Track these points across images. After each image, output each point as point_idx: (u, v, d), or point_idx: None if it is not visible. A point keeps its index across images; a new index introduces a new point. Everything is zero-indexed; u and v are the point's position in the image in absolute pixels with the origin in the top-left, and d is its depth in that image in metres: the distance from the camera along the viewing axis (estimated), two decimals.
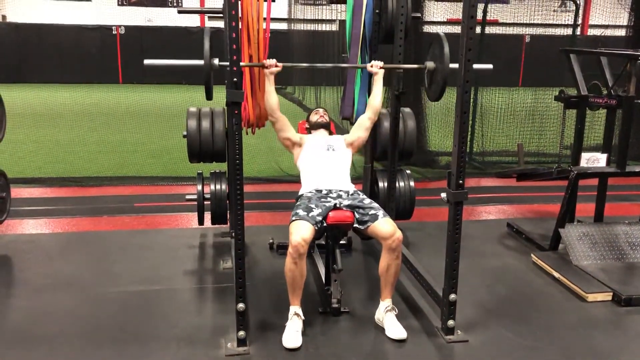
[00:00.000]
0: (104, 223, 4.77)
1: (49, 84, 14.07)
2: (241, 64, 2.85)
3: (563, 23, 10.12)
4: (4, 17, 16.82)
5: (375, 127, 3.97)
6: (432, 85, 3.40)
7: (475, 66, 2.80)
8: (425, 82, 3.49)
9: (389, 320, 3.00)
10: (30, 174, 6.21)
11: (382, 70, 3.48)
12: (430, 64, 3.36)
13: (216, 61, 2.93)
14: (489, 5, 7.21)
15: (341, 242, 3.76)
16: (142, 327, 3.05)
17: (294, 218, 3.01)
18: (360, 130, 3.56)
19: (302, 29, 13.79)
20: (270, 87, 3.31)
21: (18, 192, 5.32)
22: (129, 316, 3.17)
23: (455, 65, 2.89)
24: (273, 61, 3.25)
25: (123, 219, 4.87)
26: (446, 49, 3.17)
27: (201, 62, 2.93)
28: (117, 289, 3.50)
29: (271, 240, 4.14)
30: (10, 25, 15.99)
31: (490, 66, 3.41)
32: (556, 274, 3.72)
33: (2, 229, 4.39)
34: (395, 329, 2.95)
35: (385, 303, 3.05)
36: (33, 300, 3.35)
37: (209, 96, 3.18)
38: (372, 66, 3.47)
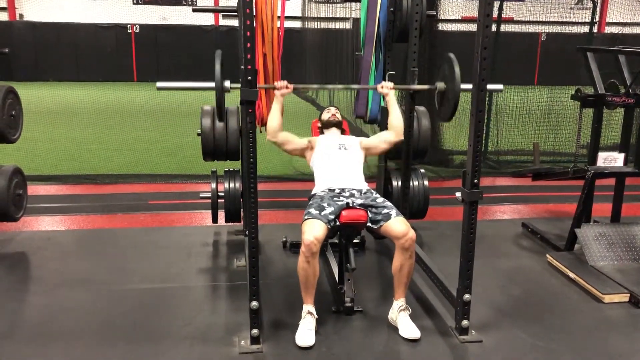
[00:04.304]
0: (118, 220, 4.81)
1: (65, 82, 14.21)
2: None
3: (580, 21, 10.01)
4: (21, 15, 17.01)
5: None
6: (442, 107, 3.38)
7: (489, 86, 2.80)
8: (436, 103, 3.47)
9: (402, 319, 2.98)
10: (47, 172, 6.28)
11: (393, 91, 3.44)
12: (440, 85, 3.34)
13: (227, 83, 2.92)
14: (505, 3, 7.14)
15: (354, 241, 3.76)
16: (156, 324, 3.07)
17: (306, 217, 3.00)
18: (382, 142, 3.50)
19: (316, 27, 13.78)
20: (277, 108, 3.29)
21: (34, 189, 5.37)
22: (142, 313, 3.19)
23: (468, 86, 2.86)
24: (284, 83, 3.26)
25: (137, 216, 4.91)
26: (457, 70, 3.15)
27: (212, 84, 2.92)
28: (131, 286, 3.52)
29: (285, 239, 4.15)
30: (27, 24, 16.18)
31: (500, 86, 3.62)
32: (572, 275, 3.68)
33: (19, 225, 4.44)
34: (408, 329, 2.94)
35: (399, 302, 3.03)
36: (49, 296, 3.39)
37: (220, 117, 3.18)
38: (382, 87, 3.44)
